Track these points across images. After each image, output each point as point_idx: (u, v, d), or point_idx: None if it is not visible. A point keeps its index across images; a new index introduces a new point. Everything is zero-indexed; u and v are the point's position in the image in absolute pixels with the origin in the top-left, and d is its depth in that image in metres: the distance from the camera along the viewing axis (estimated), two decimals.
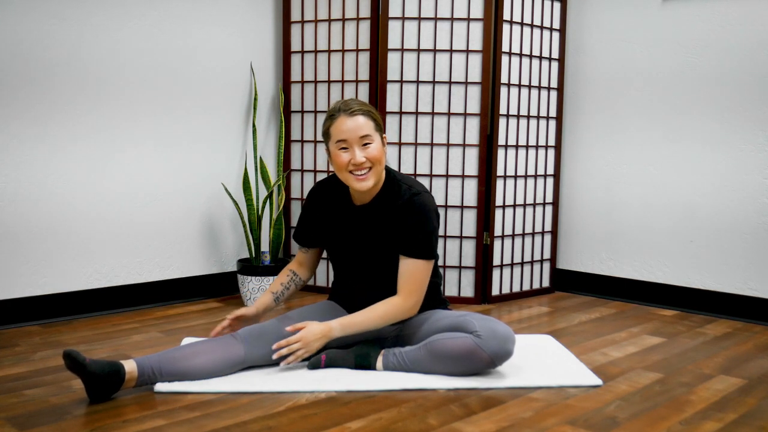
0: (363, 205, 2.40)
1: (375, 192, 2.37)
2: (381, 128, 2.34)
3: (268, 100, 3.70)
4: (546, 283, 3.80)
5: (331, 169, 3.52)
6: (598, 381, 2.31)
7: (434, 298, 2.48)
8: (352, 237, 2.41)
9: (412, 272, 2.31)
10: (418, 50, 3.39)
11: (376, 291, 2.38)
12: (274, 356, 2.26)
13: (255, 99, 3.53)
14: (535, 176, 3.67)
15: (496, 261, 3.53)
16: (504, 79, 3.45)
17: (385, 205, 2.36)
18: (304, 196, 3.65)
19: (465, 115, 3.41)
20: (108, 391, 2.06)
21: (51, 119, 2.96)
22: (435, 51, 3.39)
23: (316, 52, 3.57)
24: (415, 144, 3.43)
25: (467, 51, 3.38)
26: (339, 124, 2.28)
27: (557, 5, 3.66)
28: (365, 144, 2.27)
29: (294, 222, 3.69)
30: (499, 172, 3.49)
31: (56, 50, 2.94)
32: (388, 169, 2.41)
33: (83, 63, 3.02)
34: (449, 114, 3.41)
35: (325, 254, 3.43)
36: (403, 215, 2.32)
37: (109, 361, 2.09)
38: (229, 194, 3.40)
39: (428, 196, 2.35)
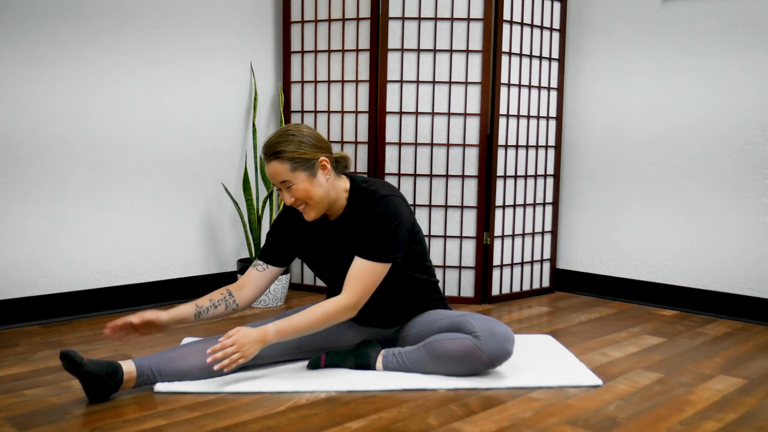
0: (335, 219, 2.35)
1: (342, 206, 2.32)
2: (304, 163, 2.19)
3: (268, 100, 3.70)
4: (546, 283, 3.80)
5: None
6: (598, 381, 2.31)
7: (433, 297, 2.47)
8: (331, 252, 2.36)
9: (360, 272, 2.23)
10: (418, 50, 3.39)
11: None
12: (209, 360, 2.09)
13: (255, 99, 3.53)
14: (535, 176, 3.67)
15: (496, 261, 3.53)
16: (504, 79, 3.45)
17: (357, 214, 2.30)
18: None
19: (465, 115, 3.41)
20: (106, 392, 2.06)
21: (50, 117, 2.96)
22: (435, 51, 3.39)
23: (316, 52, 3.57)
24: (415, 144, 3.43)
25: (467, 51, 3.38)
26: (265, 168, 2.25)
27: (557, 5, 3.66)
28: (288, 187, 2.22)
29: None
30: (499, 172, 3.49)
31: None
32: (352, 178, 2.35)
33: (79, 61, 3.02)
34: (449, 114, 3.41)
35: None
36: (368, 220, 2.26)
37: (106, 361, 2.09)
38: (229, 194, 3.40)
39: (394, 199, 2.26)
